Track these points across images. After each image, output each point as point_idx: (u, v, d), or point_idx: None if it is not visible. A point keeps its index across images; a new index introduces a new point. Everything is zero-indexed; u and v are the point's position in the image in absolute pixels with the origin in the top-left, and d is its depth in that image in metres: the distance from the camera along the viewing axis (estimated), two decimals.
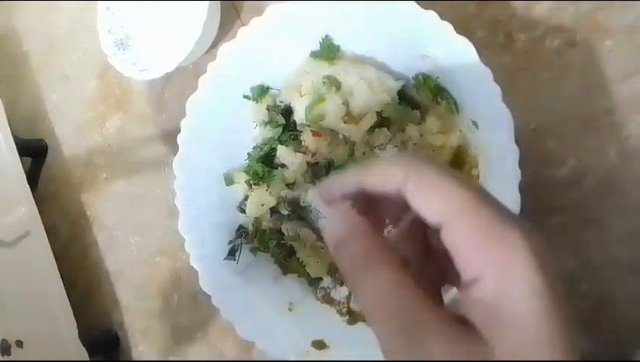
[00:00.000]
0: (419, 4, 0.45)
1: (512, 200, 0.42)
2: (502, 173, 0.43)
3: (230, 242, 0.53)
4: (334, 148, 0.50)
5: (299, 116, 0.51)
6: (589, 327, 0.46)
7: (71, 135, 0.73)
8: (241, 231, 0.54)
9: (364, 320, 0.50)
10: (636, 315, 0.46)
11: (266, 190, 0.52)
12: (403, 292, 0.23)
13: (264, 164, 0.53)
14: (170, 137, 0.63)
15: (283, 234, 0.52)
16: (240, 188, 0.54)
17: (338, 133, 0.50)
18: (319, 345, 0.49)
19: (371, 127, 0.49)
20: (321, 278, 0.52)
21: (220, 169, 0.54)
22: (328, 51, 0.51)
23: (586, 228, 0.47)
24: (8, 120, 0.68)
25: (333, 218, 0.26)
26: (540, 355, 0.21)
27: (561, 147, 0.49)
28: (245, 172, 0.53)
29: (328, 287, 0.52)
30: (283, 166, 0.52)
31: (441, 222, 0.23)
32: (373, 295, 0.23)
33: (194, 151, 0.53)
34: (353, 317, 0.51)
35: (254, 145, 0.54)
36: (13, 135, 0.68)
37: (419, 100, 0.50)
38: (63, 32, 0.74)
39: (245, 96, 0.54)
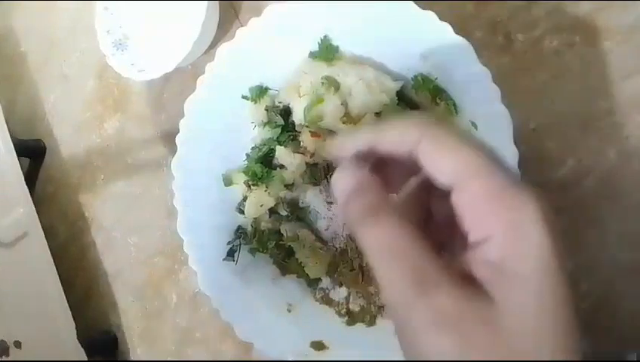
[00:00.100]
0: (417, 5, 0.45)
1: None
2: None
3: (229, 243, 0.53)
4: None
5: (297, 117, 0.51)
6: (589, 327, 0.46)
7: (69, 135, 0.72)
8: (239, 231, 0.54)
9: (363, 321, 0.50)
10: (636, 315, 0.46)
11: (265, 191, 0.52)
12: (411, 243, 0.23)
13: (263, 165, 0.53)
14: (168, 138, 0.63)
15: (282, 234, 0.52)
16: (239, 188, 0.54)
17: (337, 134, 0.50)
18: (318, 345, 0.49)
19: None
20: (320, 279, 0.52)
21: (218, 169, 0.54)
22: (327, 52, 0.51)
23: (586, 228, 0.47)
24: (6, 120, 0.68)
25: (344, 172, 0.26)
26: (542, 316, 0.21)
27: (561, 147, 0.49)
28: (244, 173, 0.53)
29: (327, 288, 0.52)
30: (282, 167, 0.52)
31: (453, 183, 0.23)
32: (381, 244, 0.23)
33: (193, 151, 0.53)
34: (352, 317, 0.51)
35: (253, 145, 0.54)
36: (11, 135, 0.68)
37: (418, 101, 0.50)
38: (62, 32, 0.74)
39: (244, 97, 0.54)
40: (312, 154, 0.50)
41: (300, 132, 0.51)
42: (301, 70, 0.52)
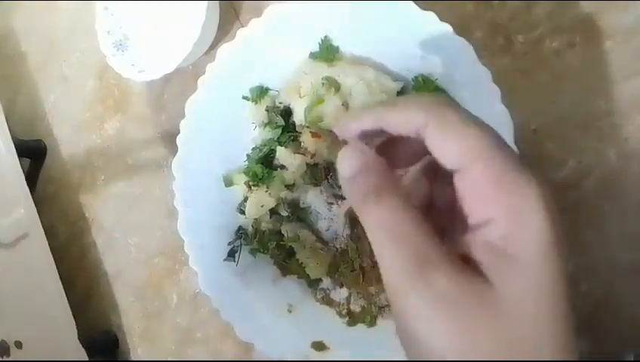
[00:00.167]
0: (418, 6, 0.45)
1: None
2: None
3: (230, 243, 0.53)
4: (334, 150, 0.50)
5: (298, 117, 0.51)
6: (590, 327, 0.46)
7: (70, 136, 0.73)
8: (240, 232, 0.54)
9: (364, 322, 0.50)
10: (636, 315, 0.46)
11: (266, 191, 0.52)
12: (413, 225, 0.23)
13: (263, 166, 0.53)
14: (169, 138, 0.63)
15: (282, 235, 0.52)
16: (239, 189, 0.54)
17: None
18: (319, 346, 0.49)
19: None
20: (320, 279, 0.52)
21: (219, 170, 0.54)
22: (327, 52, 0.51)
23: (586, 228, 0.47)
24: (7, 121, 0.68)
25: (349, 151, 0.26)
26: (542, 302, 0.21)
27: (562, 148, 0.49)
28: (245, 173, 0.53)
29: (328, 289, 0.52)
30: (282, 167, 0.52)
31: (457, 165, 0.23)
32: (384, 225, 0.23)
33: (193, 152, 0.53)
34: (353, 318, 0.51)
35: (254, 146, 0.54)
36: (11, 136, 0.68)
37: None
38: (62, 32, 0.74)
39: (244, 97, 0.54)
40: (313, 155, 0.50)
41: (300, 132, 0.51)
42: (302, 71, 0.52)
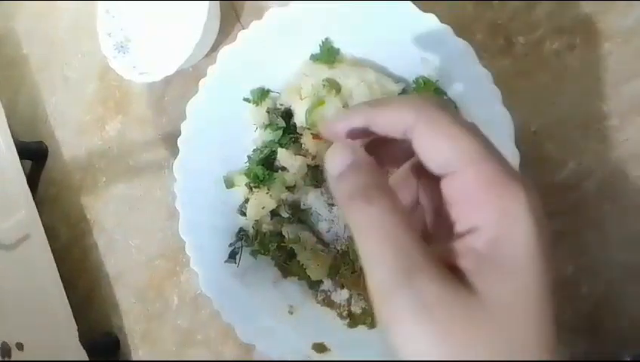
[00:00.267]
0: (418, 7, 0.45)
1: None
2: None
3: (230, 245, 0.53)
4: None
5: (299, 119, 0.51)
6: (589, 328, 0.46)
7: (71, 138, 0.73)
8: (241, 233, 0.54)
9: (365, 323, 0.50)
10: (636, 316, 0.46)
11: (267, 193, 0.52)
12: (401, 227, 0.22)
13: (264, 167, 0.53)
14: (170, 140, 0.63)
15: (283, 236, 0.52)
16: (240, 190, 0.54)
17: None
18: (320, 347, 0.49)
19: None
20: (321, 281, 0.52)
21: (220, 172, 0.54)
22: (328, 54, 0.51)
23: (586, 230, 0.47)
24: (8, 122, 0.68)
25: (338, 149, 0.25)
26: (526, 313, 0.21)
27: (562, 149, 0.49)
28: (245, 175, 0.53)
29: (329, 290, 0.52)
30: (283, 169, 0.52)
31: (445, 171, 0.23)
32: (370, 225, 0.22)
33: (194, 153, 0.53)
34: (354, 320, 0.51)
35: (254, 147, 0.54)
36: (13, 137, 0.68)
37: None
38: (63, 34, 0.74)
39: (245, 99, 0.54)
40: (314, 157, 0.50)
41: (301, 134, 0.51)
42: (302, 72, 0.52)
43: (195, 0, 0.58)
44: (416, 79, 0.49)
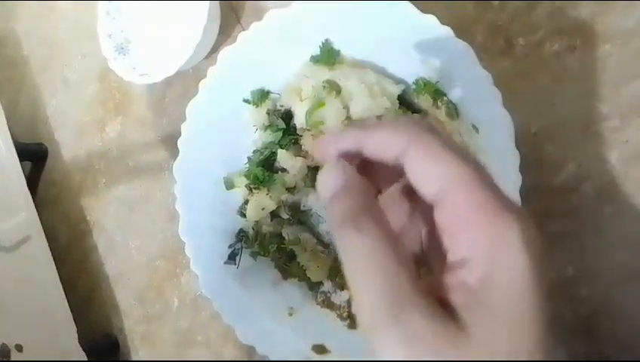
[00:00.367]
0: (418, 9, 0.46)
1: None
2: (502, 178, 0.43)
3: (230, 246, 0.53)
4: None
5: (299, 120, 0.51)
6: (589, 331, 0.46)
7: (71, 139, 0.73)
8: (241, 235, 0.54)
9: None
10: (636, 320, 0.46)
11: (267, 194, 0.52)
12: (389, 259, 0.22)
13: (264, 168, 0.53)
14: (170, 141, 0.63)
15: (283, 238, 0.52)
16: (240, 192, 0.54)
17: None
18: (320, 349, 0.49)
19: None
20: (321, 283, 0.52)
21: (220, 173, 0.54)
22: (328, 56, 0.51)
23: (586, 232, 0.47)
24: (8, 124, 0.68)
25: (330, 171, 0.25)
26: (518, 350, 0.20)
27: (562, 151, 0.49)
28: (245, 176, 0.53)
29: (329, 292, 0.52)
30: (283, 170, 0.52)
31: (436, 197, 0.23)
32: (359, 255, 0.22)
33: (194, 155, 0.53)
34: (354, 321, 0.51)
35: (254, 149, 0.54)
36: (13, 139, 0.68)
37: (419, 105, 0.50)
38: (64, 35, 0.74)
39: (245, 101, 0.54)
40: (314, 158, 0.50)
41: (301, 135, 0.51)
42: (302, 74, 0.52)
43: (195, 1, 0.58)
44: (417, 80, 0.49)
